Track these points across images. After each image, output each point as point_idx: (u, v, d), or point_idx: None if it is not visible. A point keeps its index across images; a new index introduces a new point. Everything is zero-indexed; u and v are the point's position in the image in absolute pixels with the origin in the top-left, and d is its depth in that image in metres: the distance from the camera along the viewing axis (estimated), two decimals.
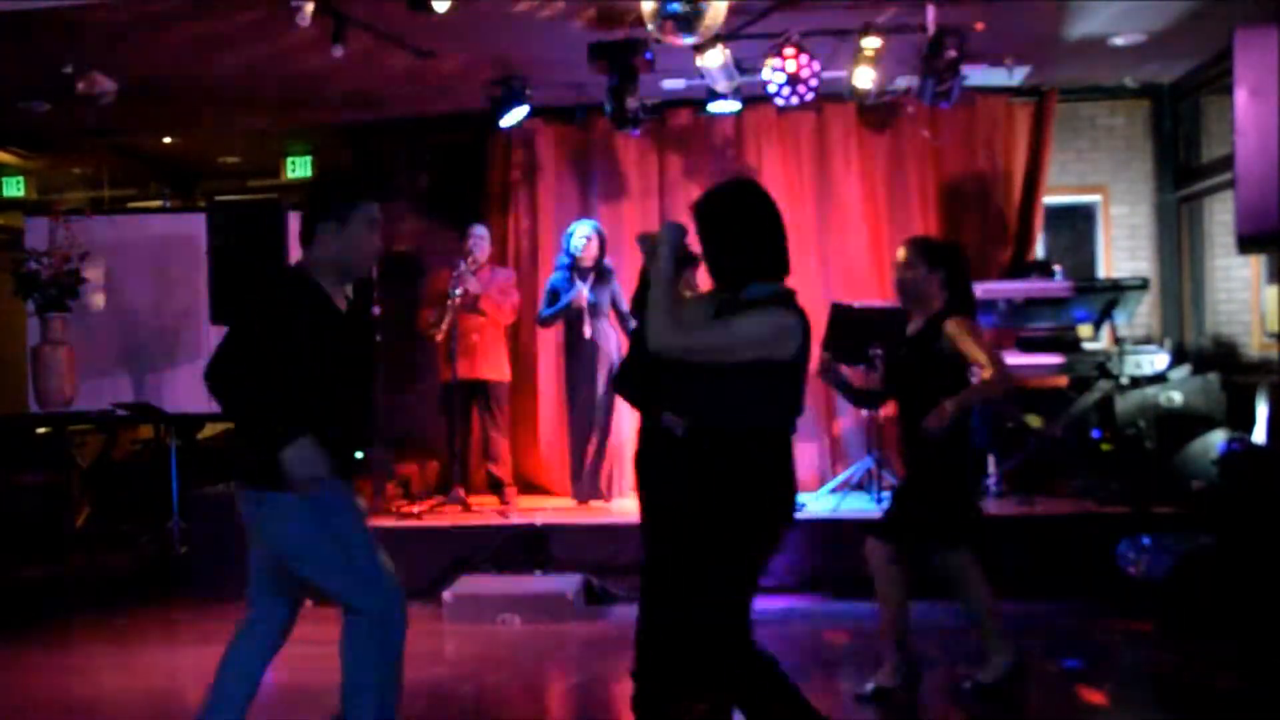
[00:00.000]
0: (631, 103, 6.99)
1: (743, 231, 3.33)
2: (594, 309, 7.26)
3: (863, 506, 6.89)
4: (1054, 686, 4.95)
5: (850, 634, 5.82)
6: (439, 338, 7.27)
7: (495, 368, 7.55)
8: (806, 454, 7.69)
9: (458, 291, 7.16)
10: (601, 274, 7.30)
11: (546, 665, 5.31)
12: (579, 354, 7.33)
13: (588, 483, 7.42)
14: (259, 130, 9.07)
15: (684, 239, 3.40)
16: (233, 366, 3.37)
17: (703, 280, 3.86)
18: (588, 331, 7.26)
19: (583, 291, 7.20)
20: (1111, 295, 7.03)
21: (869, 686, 4.54)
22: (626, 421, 7.73)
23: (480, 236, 7.51)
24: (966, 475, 4.66)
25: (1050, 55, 7.26)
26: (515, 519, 6.98)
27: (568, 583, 6.33)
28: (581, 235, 7.26)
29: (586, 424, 7.39)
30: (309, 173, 9.94)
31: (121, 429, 9.39)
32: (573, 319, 7.29)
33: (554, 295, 7.36)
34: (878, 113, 7.97)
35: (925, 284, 4.56)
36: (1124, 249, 8.35)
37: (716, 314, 3.30)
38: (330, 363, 3.42)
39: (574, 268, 7.29)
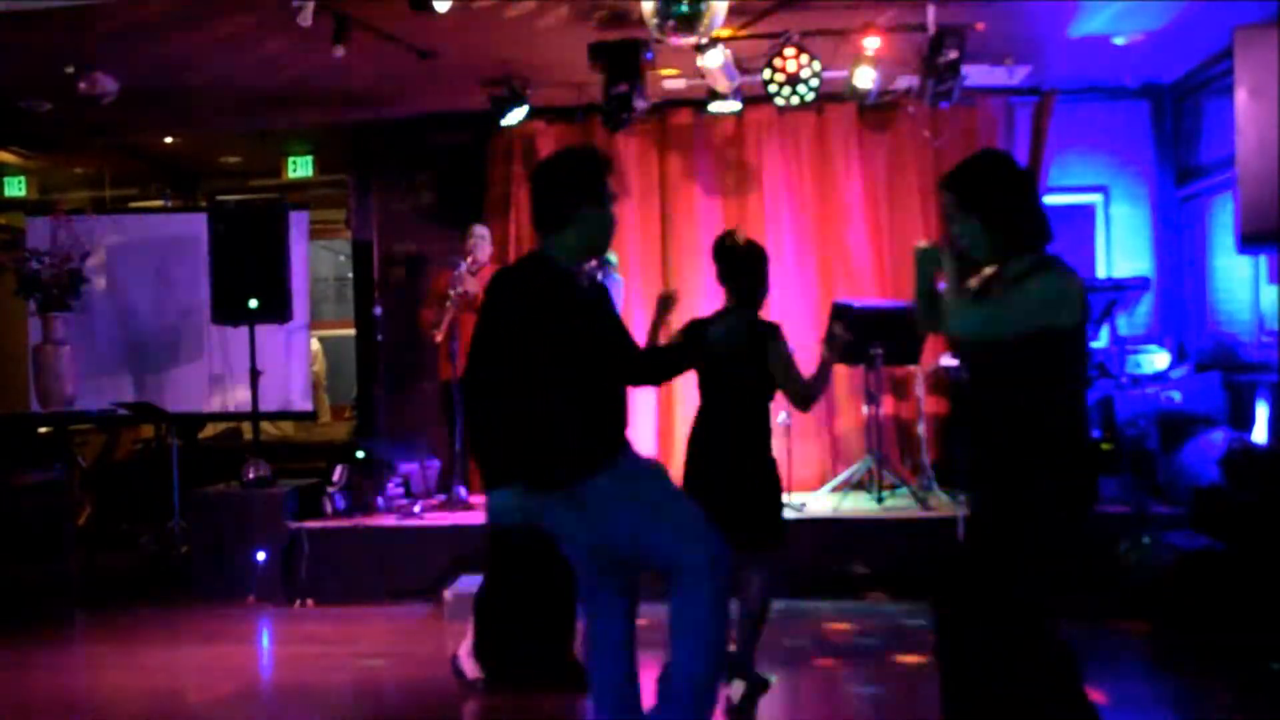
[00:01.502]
0: (639, 103, 6.99)
1: (998, 203, 3.24)
2: None
3: (864, 506, 6.89)
4: None
5: (850, 633, 5.82)
6: (438, 338, 7.26)
7: None
8: (806, 453, 7.68)
9: (457, 291, 7.15)
10: (603, 269, 7.29)
11: None
12: None
13: None
14: (260, 130, 9.08)
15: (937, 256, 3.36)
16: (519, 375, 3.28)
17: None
18: None
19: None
20: (1111, 295, 7.03)
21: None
22: (634, 421, 7.73)
23: (481, 236, 7.49)
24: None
25: (1050, 55, 7.26)
26: None
27: None
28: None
29: None
30: (310, 172, 9.94)
31: (123, 428, 9.41)
32: None
33: None
34: (878, 112, 7.97)
35: None
36: (1124, 249, 8.35)
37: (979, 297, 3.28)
38: (593, 344, 3.35)
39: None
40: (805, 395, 4.49)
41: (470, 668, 4.90)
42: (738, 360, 4.35)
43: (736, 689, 4.54)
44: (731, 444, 4.43)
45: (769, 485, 4.53)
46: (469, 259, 7.28)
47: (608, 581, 3.43)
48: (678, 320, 4.29)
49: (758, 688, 4.58)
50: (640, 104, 7.02)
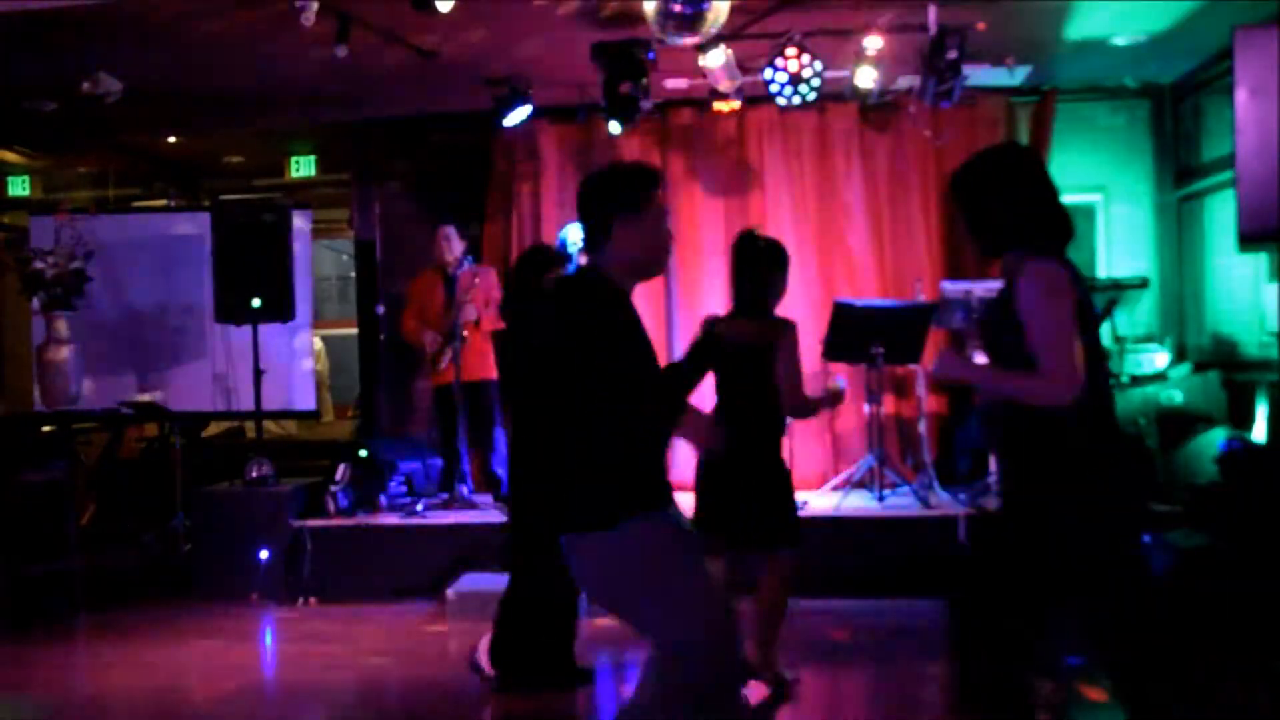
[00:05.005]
0: (645, 104, 6.99)
1: (977, 204, 3.11)
2: None
3: (865, 504, 6.90)
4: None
5: (852, 632, 5.84)
6: (448, 373, 7.22)
7: (492, 367, 7.56)
8: (808, 452, 7.71)
9: (461, 322, 7.16)
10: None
11: None
12: None
13: None
14: (263, 130, 9.10)
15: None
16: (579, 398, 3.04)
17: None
18: None
19: None
20: (1111, 295, 7.05)
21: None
22: None
23: (447, 237, 7.45)
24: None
25: (1050, 55, 7.27)
26: None
27: None
28: (575, 239, 7.27)
29: None
30: (313, 172, 9.96)
31: (126, 427, 9.43)
32: None
33: None
34: (879, 112, 7.99)
35: None
36: (1124, 249, 8.36)
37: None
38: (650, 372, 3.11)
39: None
40: (801, 403, 4.52)
41: (487, 665, 4.92)
42: (752, 359, 4.38)
43: (757, 690, 4.48)
44: (747, 443, 4.44)
45: (783, 483, 4.57)
46: (457, 258, 7.28)
47: None
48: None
49: (782, 688, 4.56)
50: (642, 104, 7.04)
